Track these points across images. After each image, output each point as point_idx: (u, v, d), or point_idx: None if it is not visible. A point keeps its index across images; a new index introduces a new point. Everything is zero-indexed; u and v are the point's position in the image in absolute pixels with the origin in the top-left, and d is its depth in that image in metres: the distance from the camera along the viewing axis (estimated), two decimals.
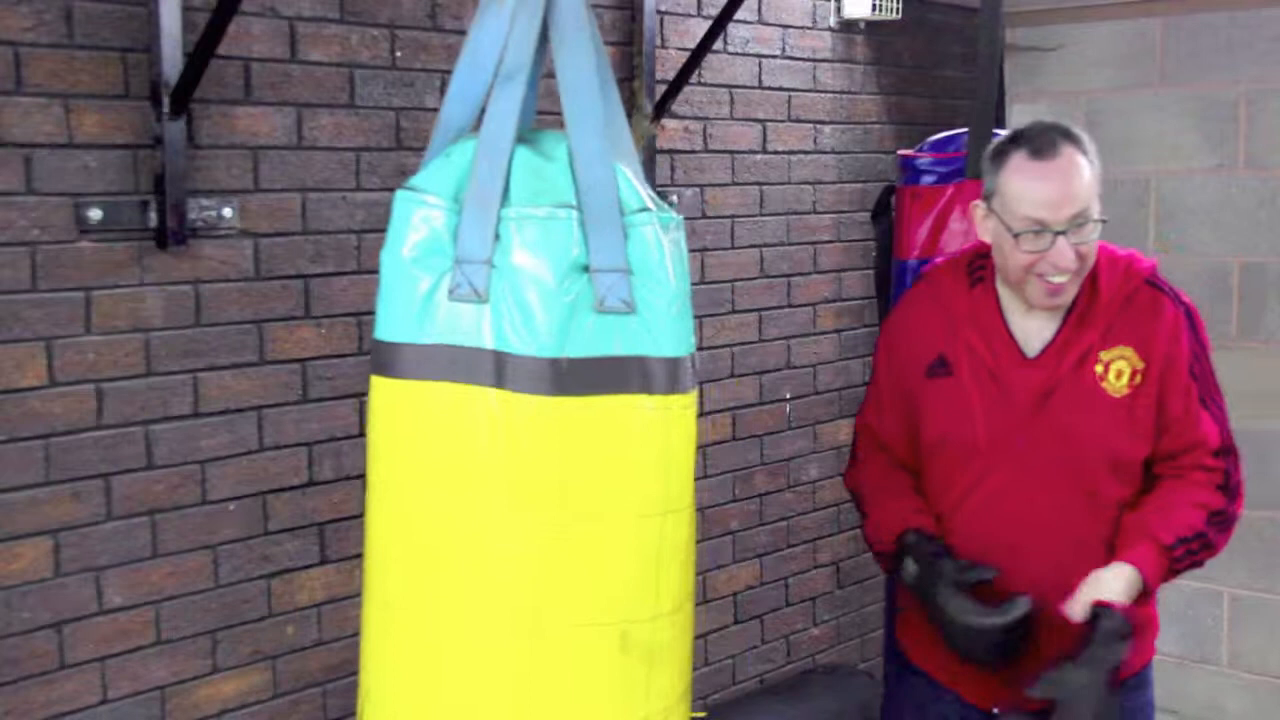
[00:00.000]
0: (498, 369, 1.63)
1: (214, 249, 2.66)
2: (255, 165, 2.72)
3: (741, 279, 3.78)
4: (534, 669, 1.66)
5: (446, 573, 1.67)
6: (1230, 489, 2.31)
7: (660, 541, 1.72)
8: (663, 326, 1.69)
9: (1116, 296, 2.26)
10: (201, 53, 2.46)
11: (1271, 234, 4.16)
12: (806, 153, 3.98)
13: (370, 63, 2.89)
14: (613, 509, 1.67)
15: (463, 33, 3.04)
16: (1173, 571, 2.23)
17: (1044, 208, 2.15)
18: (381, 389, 1.70)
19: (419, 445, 1.67)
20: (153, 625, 2.64)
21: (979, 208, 2.25)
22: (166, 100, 2.51)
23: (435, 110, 2.97)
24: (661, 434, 1.70)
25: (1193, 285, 4.26)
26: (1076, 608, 2.13)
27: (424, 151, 2.95)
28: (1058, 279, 2.18)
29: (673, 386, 1.70)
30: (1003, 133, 2.42)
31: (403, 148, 2.96)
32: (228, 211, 2.66)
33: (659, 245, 1.69)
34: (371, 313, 2.87)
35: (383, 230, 2.88)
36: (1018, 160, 2.18)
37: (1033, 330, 2.27)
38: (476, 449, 1.64)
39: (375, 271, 2.85)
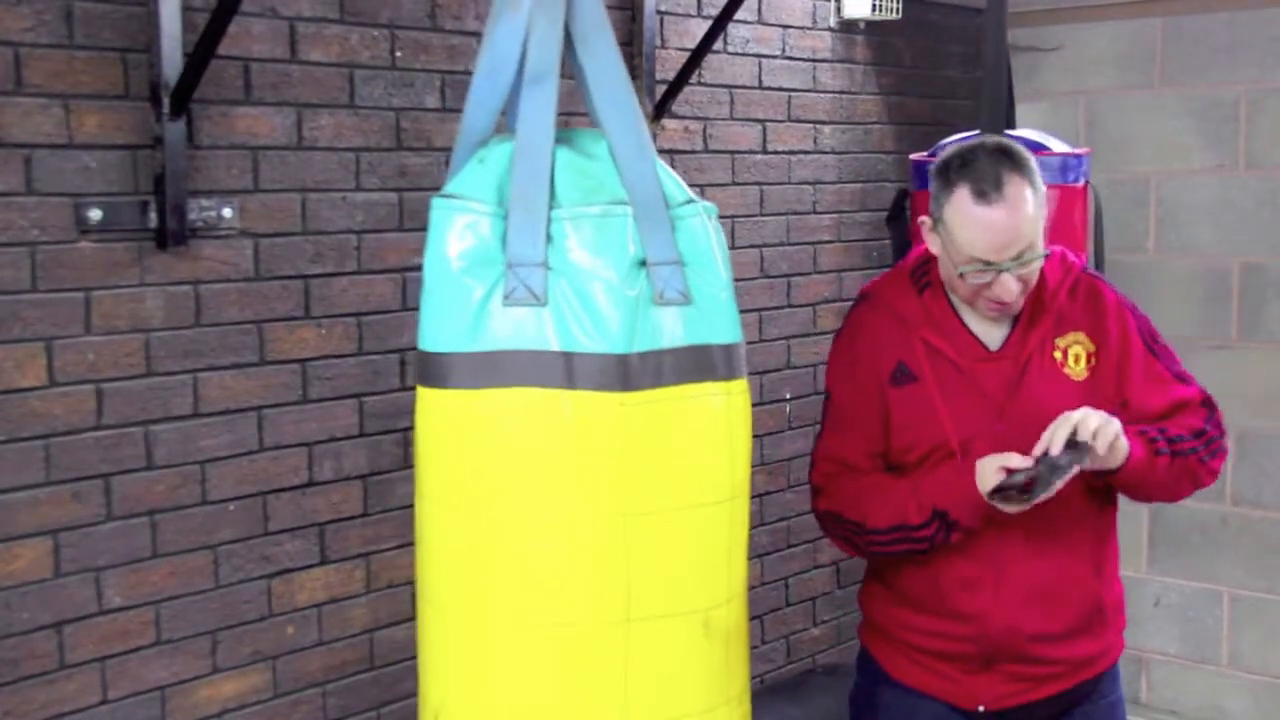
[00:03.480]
0: (567, 369, 1.62)
1: (214, 249, 2.66)
2: (255, 165, 2.71)
3: (741, 279, 3.78)
4: (626, 667, 1.66)
5: (529, 579, 1.66)
6: (1214, 421, 2.32)
7: (730, 526, 1.74)
8: (718, 314, 1.72)
9: (1062, 286, 2.31)
10: (201, 53, 2.46)
11: (1271, 234, 4.16)
12: (806, 153, 3.98)
13: (370, 63, 2.89)
14: (687, 498, 1.68)
15: (463, 33, 3.04)
16: (1155, 454, 2.21)
17: (989, 251, 2.16)
18: (434, 401, 1.68)
19: (485, 454, 1.65)
20: (153, 625, 2.64)
21: (925, 223, 2.26)
22: (166, 100, 2.51)
23: (435, 110, 3.00)
24: (726, 420, 1.72)
25: (1193, 285, 4.29)
26: (1055, 442, 2.12)
27: (425, 151, 2.98)
28: (1005, 300, 2.21)
29: (731, 372, 1.73)
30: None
31: (403, 148, 2.96)
32: (228, 211, 2.66)
33: (706, 235, 1.73)
34: (372, 313, 2.90)
35: (383, 230, 2.91)
36: (962, 199, 2.16)
37: (990, 325, 2.30)
38: (550, 451, 1.63)
39: (376, 272, 2.90)
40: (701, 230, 1.72)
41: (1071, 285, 2.32)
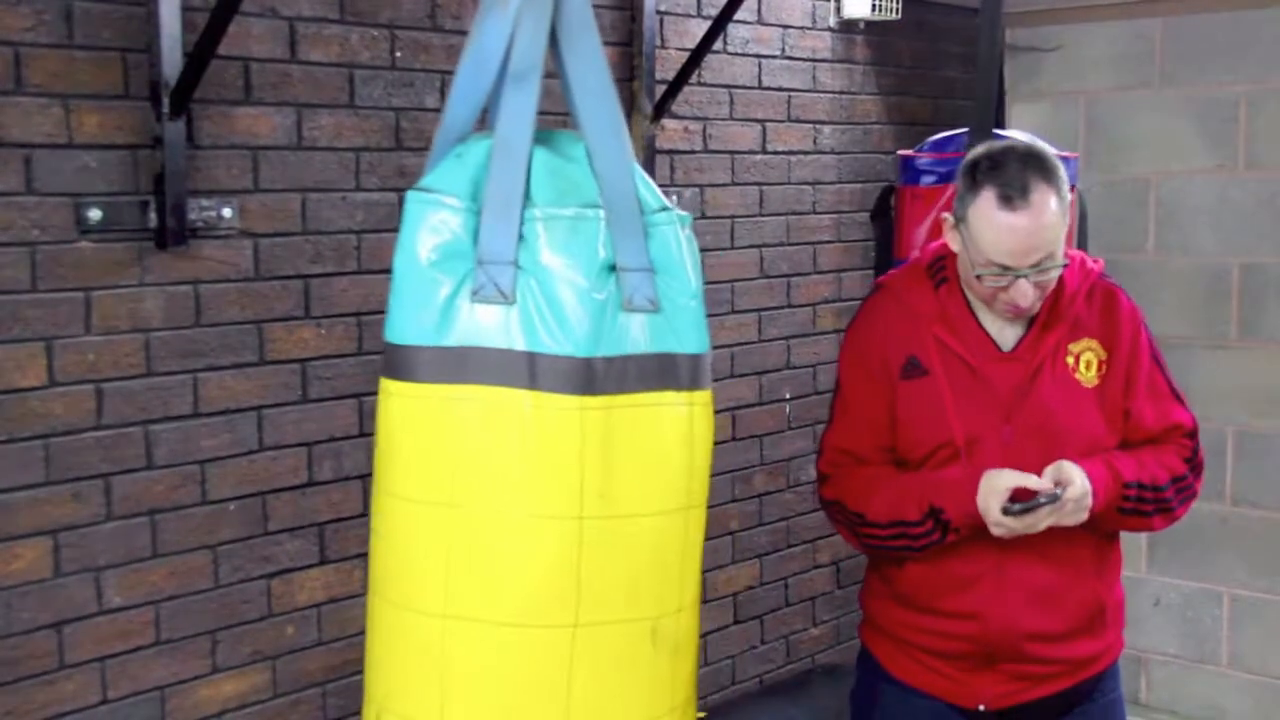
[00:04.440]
0: (530, 370, 1.62)
1: (214, 249, 2.66)
2: (255, 165, 2.72)
3: (741, 279, 3.78)
4: (571, 670, 1.65)
5: (481, 578, 1.65)
6: (1196, 465, 2.36)
7: (685, 536, 1.74)
8: (685, 323, 1.71)
9: (1080, 291, 2.30)
10: (201, 53, 2.46)
11: (1271, 234, 4.16)
12: (806, 153, 3.98)
13: (370, 63, 2.89)
14: (643, 506, 1.68)
15: (463, 33, 3.04)
16: (1119, 511, 2.25)
17: (1009, 256, 2.16)
18: (397, 393, 1.68)
19: (444, 449, 1.65)
20: (153, 625, 2.64)
21: (947, 220, 2.25)
22: (166, 100, 2.51)
23: (435, 110, 2.99)
24: (687, 430, 1.72)
25: (1192, 285, 4.29)
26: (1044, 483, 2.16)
27: (424, 152, 2.97)
28: (1021, 305, 2.22)
29: (695, 382, 1.72)
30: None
31: (403, 148, 2.96)
32: (228, 211, 2.66)
33: (678, 244, 1.72)
34: (372, 313, 2.90)
35: (383, 230, 2.92)
36: (987, 202, 2.15)
37: (1004, 326, 2.29)
38: (509, 450, 1.63)
39: (375, 272, 2.90)
40: (674, 238, 1.72)
41: (1089, 291, 2.32)
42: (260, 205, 2.73)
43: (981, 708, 2.32)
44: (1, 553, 2.43)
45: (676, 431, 1.71)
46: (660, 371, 1.68)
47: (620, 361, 1.65)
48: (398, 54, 2.94)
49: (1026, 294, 2.18)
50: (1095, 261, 2.38)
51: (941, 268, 2.33)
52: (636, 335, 1.67)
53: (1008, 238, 2.14)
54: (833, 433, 2.40)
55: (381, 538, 1.74)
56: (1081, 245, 3.26)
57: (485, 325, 1.63)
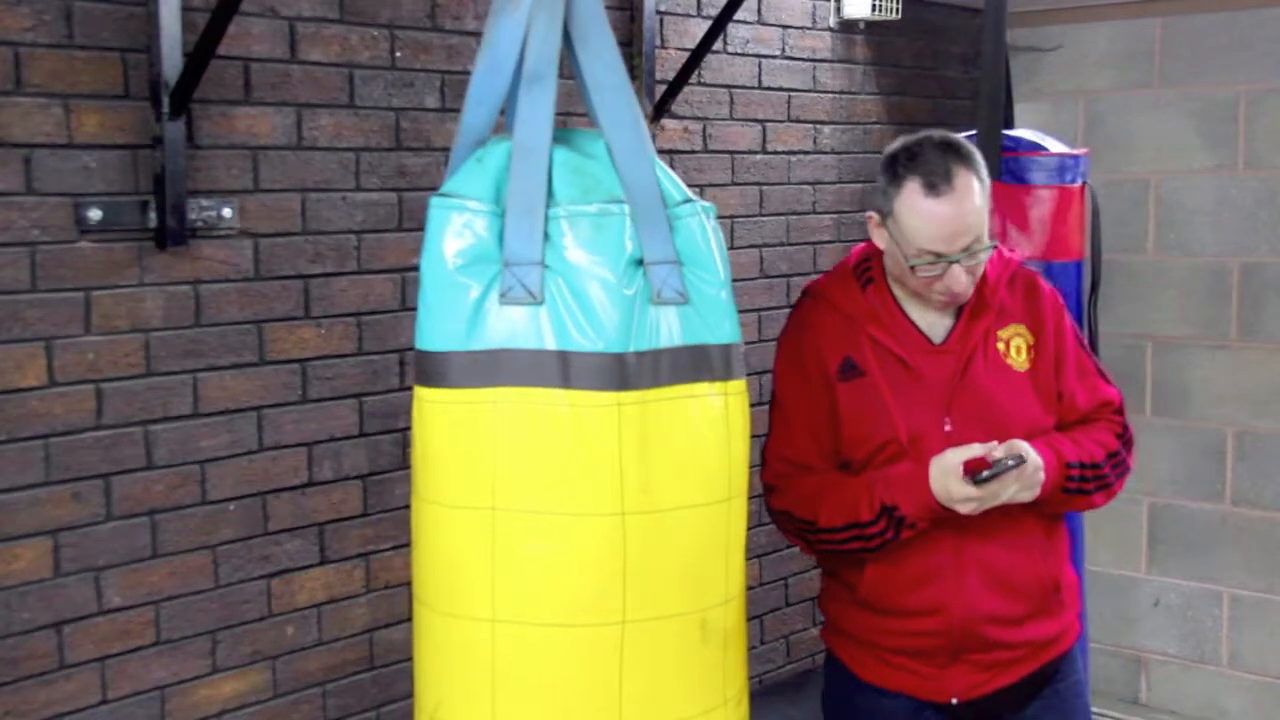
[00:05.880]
0: (563, 369, 1.62)
1: (214, 249, 2.66)
2: (255, 165, 2.72)
3: (741, 279, 3.78)
4: (621, 668, 1.65)
5: (526, 580, 1.65)
6: (1127, 440, 2.41)
7: (728, 527, 1.74)
8: (715, 314, 1.72)
9: (1002, 278, 2.36)
10: (201, 53, 2.46)
11: (1271, 234, 4.16)
12: (806, 153, 3.98)
13: (370, 63, 2.89)
14: (684, 498, 1.68)
15: (463, 33, 3.04)
16: (1063, 491, 2.28)
17: (939, 242, 2.20)
18: (432, 400, 1.68)
19: (482, 453, 1.65)
20: (153, 625, 2.64)
21: (873, 218, 2.29)
22: (166, 100, 2.51)
23: (435, 110, 3.00)
24: (723, 420, 1.72)
25: (1192, 285, 4.29)
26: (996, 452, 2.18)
27: (425, 152, 2.98)
28: (956, 291, 2.25)
29: (728, 372, 1.73)
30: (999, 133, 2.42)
31: (402, 148, 2.96)
32: (228, 211, 2.66)
33: (704, 235, 1.72)
34: (372, 313, 2.90)
35: (383, 230, 2.92)
36: (912, 192, 2.19)
37: (933, 319, 2.33)
38: (547, 450, 1.63)
39: (376, 272, 2.90)
40: (699, 230, 1.72)
41: (1010, 278, 2.37)
42: (260, 205, 2.73)
43: (954, 700, 2.33)
44: (1, 553, 2.43)
45: (713, 422, 1.70)
46: (693, 363, 1.68)
47: (653, 355, 1.65)
48: (398, 54, 2.94)
49: (960, 279, 2.22)
50: (1012, 251, 2.44)
51: (867, 268, 2.37)
52: (667, 328, 1.67)
53: (936, 225, 2.19)
54: (774, 442, 2.39)
55: (423, 546, 1.73)
56: (1095, 242, 3.27)
57: (515, 327, 1.63)
